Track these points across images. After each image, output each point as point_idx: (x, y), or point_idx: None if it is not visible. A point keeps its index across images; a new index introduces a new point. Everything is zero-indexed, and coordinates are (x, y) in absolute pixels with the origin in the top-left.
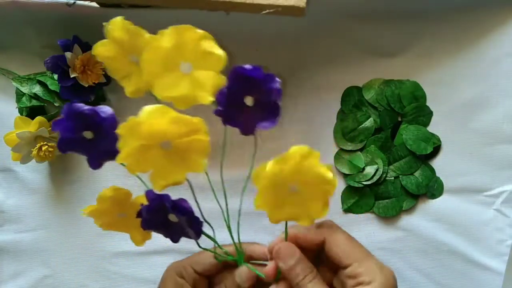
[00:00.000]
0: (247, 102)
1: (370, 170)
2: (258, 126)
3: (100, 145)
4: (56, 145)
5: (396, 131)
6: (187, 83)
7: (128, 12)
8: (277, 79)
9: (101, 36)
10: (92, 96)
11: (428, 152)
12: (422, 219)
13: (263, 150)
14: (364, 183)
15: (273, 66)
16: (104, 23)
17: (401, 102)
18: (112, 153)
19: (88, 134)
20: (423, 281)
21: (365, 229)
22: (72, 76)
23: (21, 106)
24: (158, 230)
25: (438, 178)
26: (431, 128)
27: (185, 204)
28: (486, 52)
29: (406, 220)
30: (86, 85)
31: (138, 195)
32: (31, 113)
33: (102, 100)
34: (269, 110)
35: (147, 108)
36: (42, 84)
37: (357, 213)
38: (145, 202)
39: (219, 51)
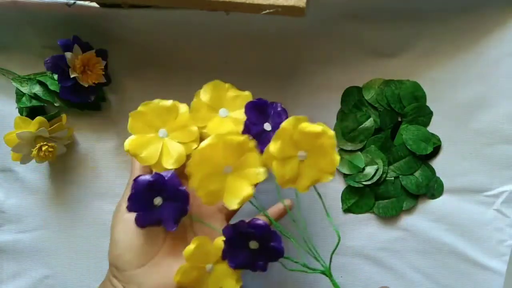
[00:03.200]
0: (266, 127)
1: (370, 170)
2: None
3: (171, 206)
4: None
5: (396, 131)
6: (229, 122)
7: (128, 12)
8: (279, 103)
9: (101, 36)
10: (92, 97)
11: (428, 152)
12: (422, 219)
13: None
14: (364, 183)
15: (273, 66)
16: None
17: (401, 102)
18: (184, 208)
19: (157, 201)
20: (423, 281)
21: (365, 229)
22: (72, 76)
23: (21, 106)
24: (246, 264)
25: (438, 178)
26: (431, 128)
27: (259, 221)
28: (486, 52)
29: (406, 220)
30: (86, 85)
31: (217, 238)
32: (31, 113)
33: (102, 100)
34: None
35: (205, 141)
36: (42, 84)
37: (357, 213)
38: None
39: (245, 92)
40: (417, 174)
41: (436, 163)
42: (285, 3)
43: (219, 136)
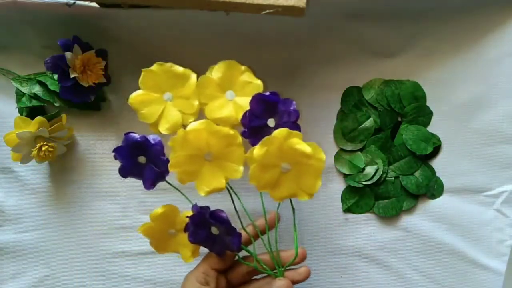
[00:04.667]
0: (270, 124)
1: (370, 170)
2: None
3: (151, 168)
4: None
5: (396, 131)
6: (231, 107)
7: (128, 12)
8: (293, 102)
9: (101, 36)
10: (92, 96)
11: (428, 152)
12: (422, 219)
13: None
14: (364, 183)
15: (273, 66)
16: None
17: (401, 102)
18: (162, 174)
19: (141, 159)
20: (423, 281)
21: (365, 229)
22: (72, 76)
23: (21, 106)
24: (204, 243)
25: (438, 178)
26: (431, 128)
27: (222, 214)
28: (486, 52)
29: (406, 220)
30: (86, 85)
31: (184, 211)
32: (31, 113)
33: (102, 100)
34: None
35: (194, 123)
36: (42, 84)
37: (357, 213)
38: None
39: (257, 81)
40: (417, 174)
41: (436, 163)
42: (285, 3)
43: (207, 123)
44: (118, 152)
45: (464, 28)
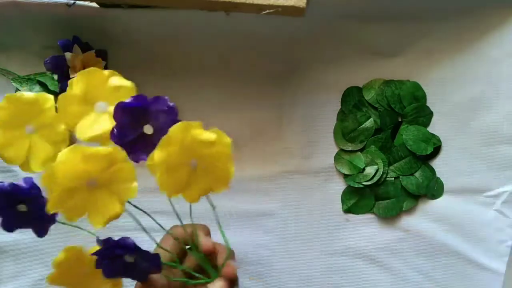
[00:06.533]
0: (147, 130)
1: (370, 170)
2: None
3: (37, 214)
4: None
5: (396, 132)
6: (107, 119)
7: (128, 12)
8: (166, 98)
9: (101, 36)
10: None
11: (429, 152)
12: (422, 219)
13: (264, 151)
14: (364, 183)
15: (273, 66)
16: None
17: (401, 102)
18: (52, 217)
19: (22, 207)
20: (423, 281)
21: (365, 230)
22: (72, 76)
23: None
24: (122, 274)
25: (438, 178)
26: (431, 129)
27: (128, 241)
28: (486, 52)
29: (407, 221)
30: None
31: (92, 247)
32: None
33: None
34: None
35: (62, 152)
36: (42, 84)
37: (357, 213)
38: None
39: (127, 83)
40: (417, 174)
41: (436, 163)
42: (285, 3)
43: (77, 148)
44: None
45: (464, 28)
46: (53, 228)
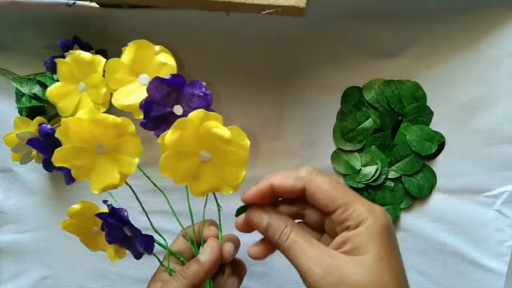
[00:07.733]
0: (177, 111)
1: (370, 170)
2: None
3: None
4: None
5: (396, 130)
6: (144, 92)
7: (128, 12)
8: (203, 83)
9: (101, 36)
10: None
11: (433, 151)
12: (422, 219)
13: (263, 150)
14: (364, 183)
15: (273, 66)
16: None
17: (401, 102)
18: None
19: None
20: (422, 281)
21: None
22: None
23: (21, 106)
24: (121, 244)
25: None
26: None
27: (122, 213)
28: (486, 53)
29: (406, 221)
30: None
31: (103, 208)
32: (30, 113)
33: None
34: None
35: (79, 112)
36: (42, 85)
37: None
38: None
39: (172, 61)
40: (418, 177)
41: (436, 163)
42: (285, 3)
43: (90, 112)
44: (35, 145)
45: (464, 28)
46: (53, 228)
